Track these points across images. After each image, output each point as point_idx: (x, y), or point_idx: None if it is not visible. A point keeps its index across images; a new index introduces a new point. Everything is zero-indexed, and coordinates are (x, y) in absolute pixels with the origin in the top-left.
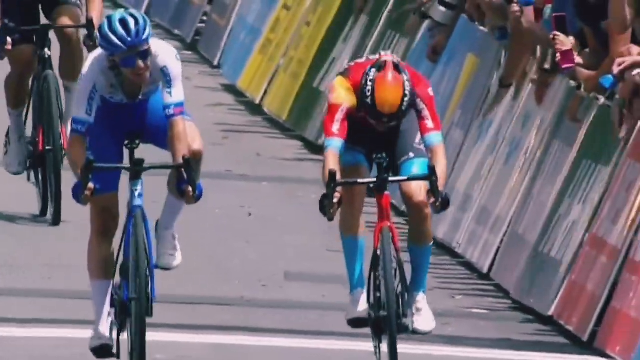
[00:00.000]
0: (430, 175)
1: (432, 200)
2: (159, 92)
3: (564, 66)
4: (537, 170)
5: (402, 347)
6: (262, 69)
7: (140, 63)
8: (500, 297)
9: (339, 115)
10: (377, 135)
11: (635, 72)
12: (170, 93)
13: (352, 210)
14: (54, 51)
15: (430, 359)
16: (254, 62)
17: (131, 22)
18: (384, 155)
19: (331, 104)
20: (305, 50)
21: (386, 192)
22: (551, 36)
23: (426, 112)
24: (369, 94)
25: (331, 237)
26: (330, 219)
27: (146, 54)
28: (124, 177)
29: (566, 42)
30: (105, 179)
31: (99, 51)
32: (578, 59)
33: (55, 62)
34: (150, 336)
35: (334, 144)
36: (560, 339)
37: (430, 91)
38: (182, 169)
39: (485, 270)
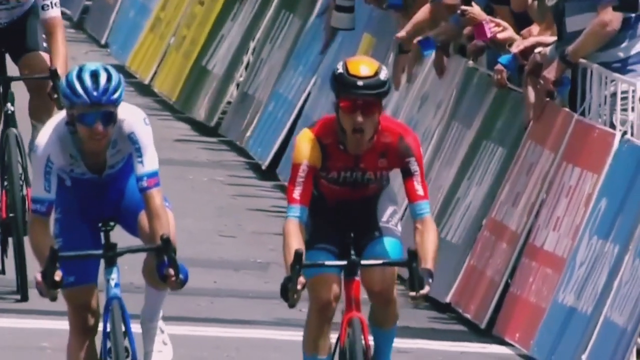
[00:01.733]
0: (410, 261)
1: (412, 293)
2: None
3: (479, 40)
4: (434, 152)
5: None
6: (152, 48)
7: (100, 126)
8: (396, 283)
9: (301, 177)
10: (344, 209)
11: (537, 50)
12: (141, 162)
13: (322, 324)
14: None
15: None
16: (143, 41)
17: (103, 78)
18: (350, 234)
19: (293, 163)
20: (197, 29)
21: (356, 278)
22: (459, 11)
23: (418, 176)
24: (340, 68)
25: (222, 221)
26: (292, 305)
27: (109, 118)
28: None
29: (479, 14)
30: (79, 269)
31: (58, 117)
32: (494, 30)
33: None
34: None
35: (296, 213)
36: (458, 326)
37: (421, 150)
38: (162, 251)
39: None
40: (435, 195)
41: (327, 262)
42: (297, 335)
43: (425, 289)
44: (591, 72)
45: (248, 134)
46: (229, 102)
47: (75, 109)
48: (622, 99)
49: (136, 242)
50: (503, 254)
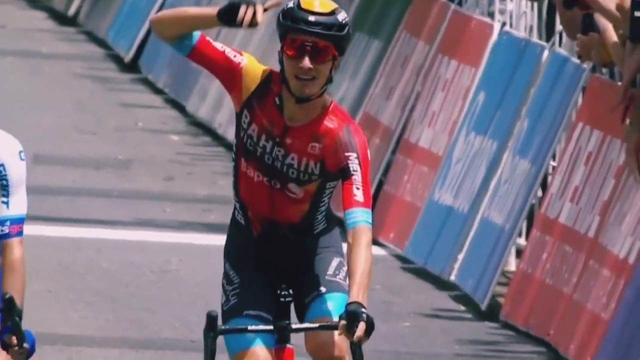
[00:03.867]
0: (351, 319)
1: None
2: None
3: None
4: None
5: None
6: None
7: None
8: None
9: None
10: (275, 246)
11: None
12: (7, 203)
13: None
14: None
15: None
16: None
17: None
18: (289, 291)
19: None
20: None
21: (288, 346)
22: None
23: (358, 177)
24: (291, 3)
25: (81, 116)
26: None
27: None
28: None
29: None
30: None
31: None
32: None
33: None
34: None
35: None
36: None
37: (368, 153)
38: (4, 314)
39: None
40: None
41: (251, 327)
42: (161, 237)
43: (360, 328)
44: None
45: (109, 24)
46: None
47: None
48: None
49: None
50: (377, 150)
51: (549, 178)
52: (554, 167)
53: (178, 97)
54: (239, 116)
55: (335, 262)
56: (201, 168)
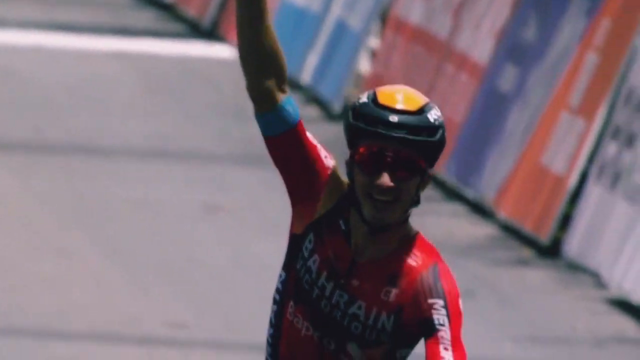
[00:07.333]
0: None
1: None
2: None
3: None
4: None
5: None
6: None
7: None
8: None
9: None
10: None
11: None
12: None
13: None
14: None
15: None
16: None
17: None
18: None
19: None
20: None
21: None
22: None
23: (446, 334)
24: (364, 97)
25: None
26: None
27: None
28: None
29: None
30: None
31: None
32: None
33: None
34: None
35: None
36: (179, 26)
37: (461, 304)
38: None
39: None
40: None
41: None
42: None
43: None
44: None
45: None
46: None
47: None
48: None
49: None
50: None
51: None
52: None
53: None
54: (299, 240)
55: None
56: None
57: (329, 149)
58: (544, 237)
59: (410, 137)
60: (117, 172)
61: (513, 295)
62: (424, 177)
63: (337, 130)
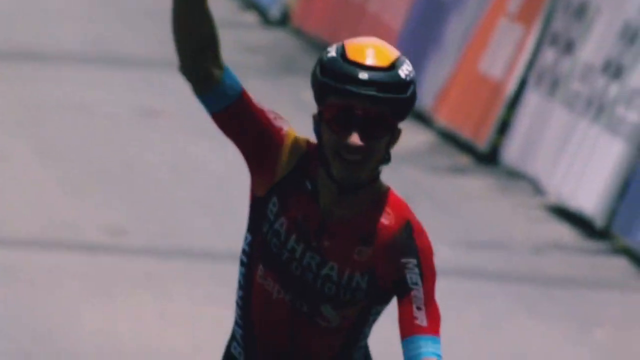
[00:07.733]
0: None
1: None
2: None
3: None
4: None
5: None
6: None
7: None
8: None
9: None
10: None
11: None
12: None
13: None
14: None
15: None
16: None
17: None
18: None
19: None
20: None
21: None
22: None
23: (419, 293)
24: (332, 51)
25: None
26: None
27: None
28: None
29: None
30: None
31: None
32: None
33: None
34: None
35: None
36: None
37: (434, 263)
38: None
39: None
40: None
41: None
42: None
43: None
44: None
45: None
46: None
47: None
48: None
49: None
50: None
51: None
52: None
53: None
54: (262, 203)
55: None
56: None
57: (266, 54)
58: (482, 144)
59: (381, 94)
60: (54, 76)
61: (451, 201)
62: (394, 133)
63: (274, 36)
